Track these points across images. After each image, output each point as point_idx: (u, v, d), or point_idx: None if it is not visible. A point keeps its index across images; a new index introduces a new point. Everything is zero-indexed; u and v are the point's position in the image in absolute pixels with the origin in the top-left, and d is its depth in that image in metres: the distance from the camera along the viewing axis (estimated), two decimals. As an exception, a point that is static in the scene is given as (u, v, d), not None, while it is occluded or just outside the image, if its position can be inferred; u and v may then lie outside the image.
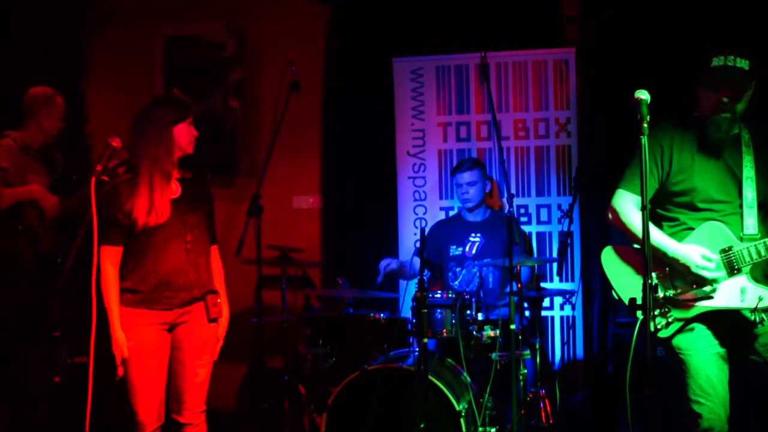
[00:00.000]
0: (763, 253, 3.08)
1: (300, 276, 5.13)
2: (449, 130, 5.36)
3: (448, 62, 5.34)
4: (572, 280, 5.15)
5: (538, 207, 5.25)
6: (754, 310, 3.06)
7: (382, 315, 4.56)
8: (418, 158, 5.38)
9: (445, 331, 4.15)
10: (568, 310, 5.18)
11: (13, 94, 4.55)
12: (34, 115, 4.44)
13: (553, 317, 5.20)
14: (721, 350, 3.13)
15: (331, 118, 5.65)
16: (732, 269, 3.11)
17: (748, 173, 3.15)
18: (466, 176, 4.76)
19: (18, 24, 5.39)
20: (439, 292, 4.21)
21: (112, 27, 5.84)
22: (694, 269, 3.07)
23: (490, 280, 4.69)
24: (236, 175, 5.71)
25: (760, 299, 3.06)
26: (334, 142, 5.65)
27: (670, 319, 3.08)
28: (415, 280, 3.93)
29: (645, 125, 2.77)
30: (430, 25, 5.39)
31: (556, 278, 5.12)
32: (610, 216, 3.29)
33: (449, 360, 4.24)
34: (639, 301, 2.74)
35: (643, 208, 2.77)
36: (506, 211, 3.91)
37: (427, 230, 4.67)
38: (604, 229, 4.80)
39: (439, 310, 4.17)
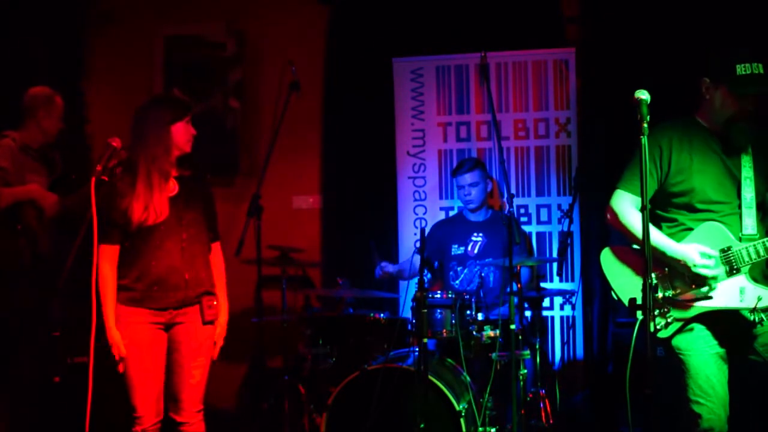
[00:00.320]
0: (762, 253, 3.08)
1: (300, 276, 5.13)
2: (449, 130, 5.36)
3: (448, 62, 5.34)
4: (572, 280, 5.15)
5: (538, 207, 5.25)
6: (753, 310, 3.06)
7: (382, 315, 4.56)
8: (418, 158, 5.38)
9: (445, 331, 4.15)
10: (568, 310, 5.18)
11: (13, 94, 4.55)
12: (34, 115, 4.45)
13: (553, 317, 5.20)
14: (721, 350, 3.12)
15: (331, 118, 5.66)
16: (731, 269, 3.11)
17: (747, 173, 3.15)
18: (468, 177, 4.76)
19: (18, 24, 5.40)
20: (439, 292, 4.21)
21: (112, 27, 5.84)
22: (694, 268, 3.07)
23: (491, 279, 4.69)
24: (236, 175, 5.72)
25: (759, 299, 3.06)
26: (334, 142, 5.66)
27: (669, 320, 3.07)
28: (416, 280, 3.93)
29: (645, 125, 2.77)
30: (430, 25, 5.39)
31: (556, 278, 5.12)
32: (608, 216, 3.29)
33: (449, 360, 4.24)
34: (639, 301, 2.74)
35: (643, 208, 2.77)
36: (506, 211, 3.91)
37: (427, 230, 4.67)
38: (604, 229, 4.79)
39: (439, 310, 4.17)
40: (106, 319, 3.33)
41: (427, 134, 5.38)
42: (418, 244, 4.54)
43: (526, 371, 4.06)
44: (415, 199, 5.39)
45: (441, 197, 5.37)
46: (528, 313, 4.49)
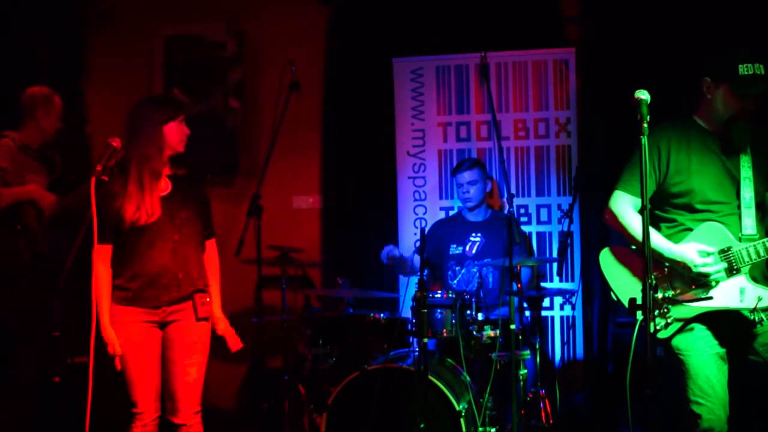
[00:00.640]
0: (762, 253, 3.08)
1: (300, 276, 5.13)
2: (449, 130, 5.36)
3: (448, 62, 5.34)
4: (572, 280, 5.15)
5: (538, 207, 5.25)
6: (753, 310, 3.06)
7: (382, 315, 4.56)
8: (418, 158, 5.38)
9: (445, 331, 4.15)
10: (568, 310, 5.18)
11: (13, 94, 4.55)
12: (33, 115, 4.45)
13: (553, 317, 5.19)
14: (721, 350, 3.12)
15: (331, 118, 5.65)
16: (731, 269, 3.11)
17: (746, 173, 3.16)
18: (467, 176, 4.76)
19: (18, 24, 5.39)
20: (439, 292, 4.21)
21: (112, 27, 5.83)
22: (694, 268, 3.07)
23: (490, 280, 4.68)
24: (236, 175, 5.71)
25: (759, 299, 3.06)
26: (334, 142, 5.65)
27: (669, 320, 3.07)
28: (416, 280, 3.93)
29: (645, 125, 2.77)
30: (430, 25, 5.39)
31: (556, 278, 5.12)
32: (607, 218, 3.29)
33: (449, 360, 4.24)
34: (639, 302, 2.74)
35: (643, 208, 2.77)
36: (506, 211, 3.91)
37: (427, 230, 4.66)
38: (604, 229, 4.78)
39: (439, 310, 4.17)
40: (101, 318, 3.34)
41: (427, 134, 5.38)
42: (418, 244, 4.54)
43: (526, 371, 4.06)
44: (415, 199, 5.39)
45: (441, 197, 5.36)
46: (527, 313, 4.49)
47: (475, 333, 4.17)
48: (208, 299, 3.52)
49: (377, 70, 5.41)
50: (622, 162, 3.31)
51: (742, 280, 3.10)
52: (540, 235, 5.24)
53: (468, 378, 4.10)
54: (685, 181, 3.16)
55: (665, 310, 3.00)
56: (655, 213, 3.24)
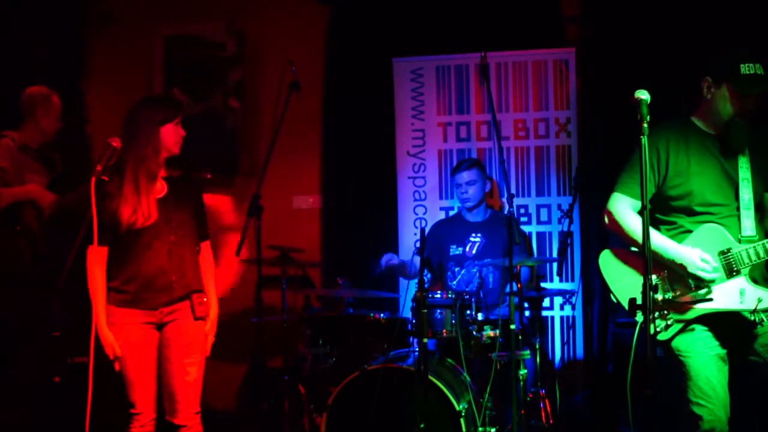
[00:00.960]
0: (762, 254, 3.08)
1: (300, 276, 5.12)
2: (449, 130, 5.36)
3: (448, 62, 5.34)
4: (572, 280, 5.15)
5: (538, 207, 5.25)
6: (753, 312, 3.06)
7: (382, 315, 4.56)
8: (418, 158, 5.38)
9: (445, 331, 4.15)
10: (568, 310, 5.18)
11: (13, 94, 4.55)
12: (32, 115, 4.45)
13: (553, 317, 5.20)
14: (721, 351, 3.12)
15: (331, 118, 5.66)
16: (731, 271, 3.10)
17: (744, 174, 3.15)
18: (465, 175, 4.76)
19: (18, 24, 5.40)
20: (439, 292, 4.21)
21: (112, 27, 5.84)
22: (692, 269, 3.07)
23: (490, 280, 4.68)
24: (236, 175, 5.71)
25: (759, 301, 3.06)
26: (334, 142, 5.66)
27: (669, 321, 3.07)
28: (416, 280, 3.93)
29: (645, 125, 2.77)
30: (430, 25, 5.39)
31: (556, 278, 5.12)
32: (606, 219, 3.28)
33: (449, 360, 4.24)
34: (638, 302, 2.73)
35: (643, 208, 2.77)
36: (506, 211, 3.91)
37: (427, 230, 4.66)
38: (604, 229, 4.79)
39: (439, 310, 4.17)
40: (98, 320, 3.34)
41: (427, 134, 5.38)
42: (418, 244, 4.54)
43: (526, 371, 4.06)
44: (415, 199, 5.39)
45: (441, 197, 5.36)
46: (527, 313, 4.49)
47: (475, 333, 4.16)
48: (205, 299, 3.52)
49: (377, 70, 5.41)
50: (622, 162, 3.30)
51: (742, 281, 3.10)
52: (540, 235, 5.24)
53: (468, 378, 4.10)
54: (685, 183, 3.15)
55: (665, 312, 3.01)
56: (654, 215, 3.23)
